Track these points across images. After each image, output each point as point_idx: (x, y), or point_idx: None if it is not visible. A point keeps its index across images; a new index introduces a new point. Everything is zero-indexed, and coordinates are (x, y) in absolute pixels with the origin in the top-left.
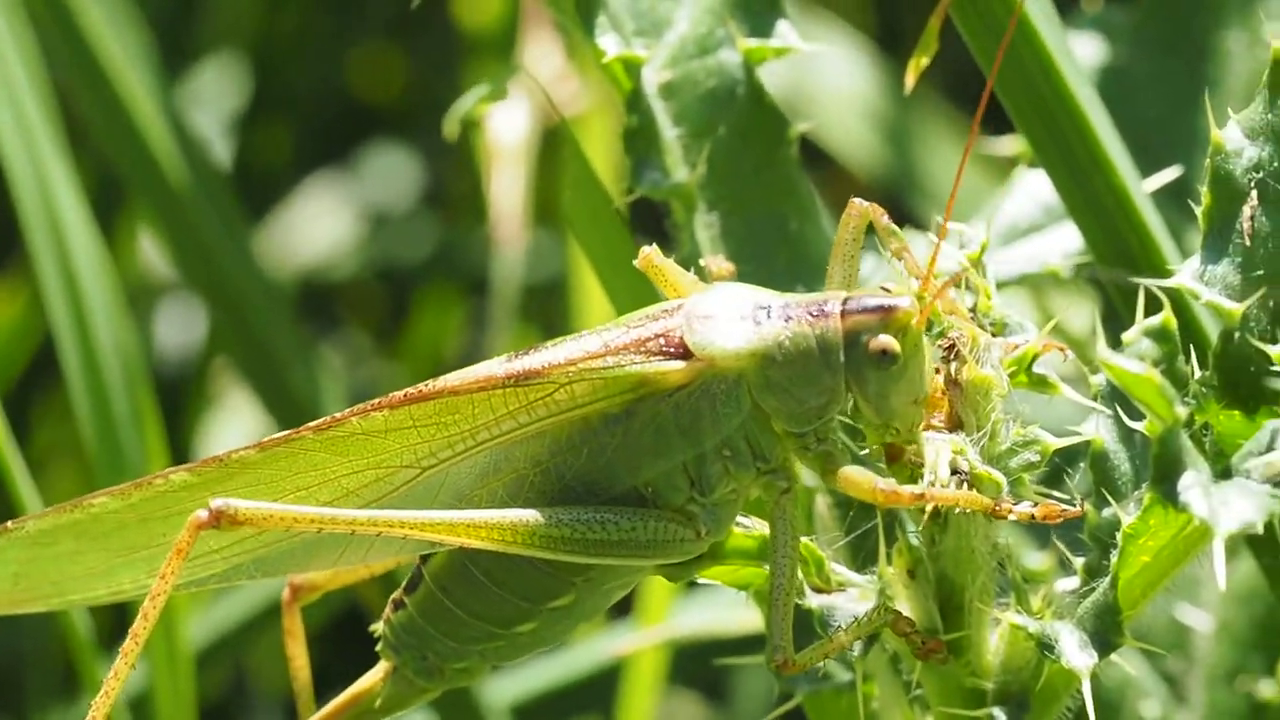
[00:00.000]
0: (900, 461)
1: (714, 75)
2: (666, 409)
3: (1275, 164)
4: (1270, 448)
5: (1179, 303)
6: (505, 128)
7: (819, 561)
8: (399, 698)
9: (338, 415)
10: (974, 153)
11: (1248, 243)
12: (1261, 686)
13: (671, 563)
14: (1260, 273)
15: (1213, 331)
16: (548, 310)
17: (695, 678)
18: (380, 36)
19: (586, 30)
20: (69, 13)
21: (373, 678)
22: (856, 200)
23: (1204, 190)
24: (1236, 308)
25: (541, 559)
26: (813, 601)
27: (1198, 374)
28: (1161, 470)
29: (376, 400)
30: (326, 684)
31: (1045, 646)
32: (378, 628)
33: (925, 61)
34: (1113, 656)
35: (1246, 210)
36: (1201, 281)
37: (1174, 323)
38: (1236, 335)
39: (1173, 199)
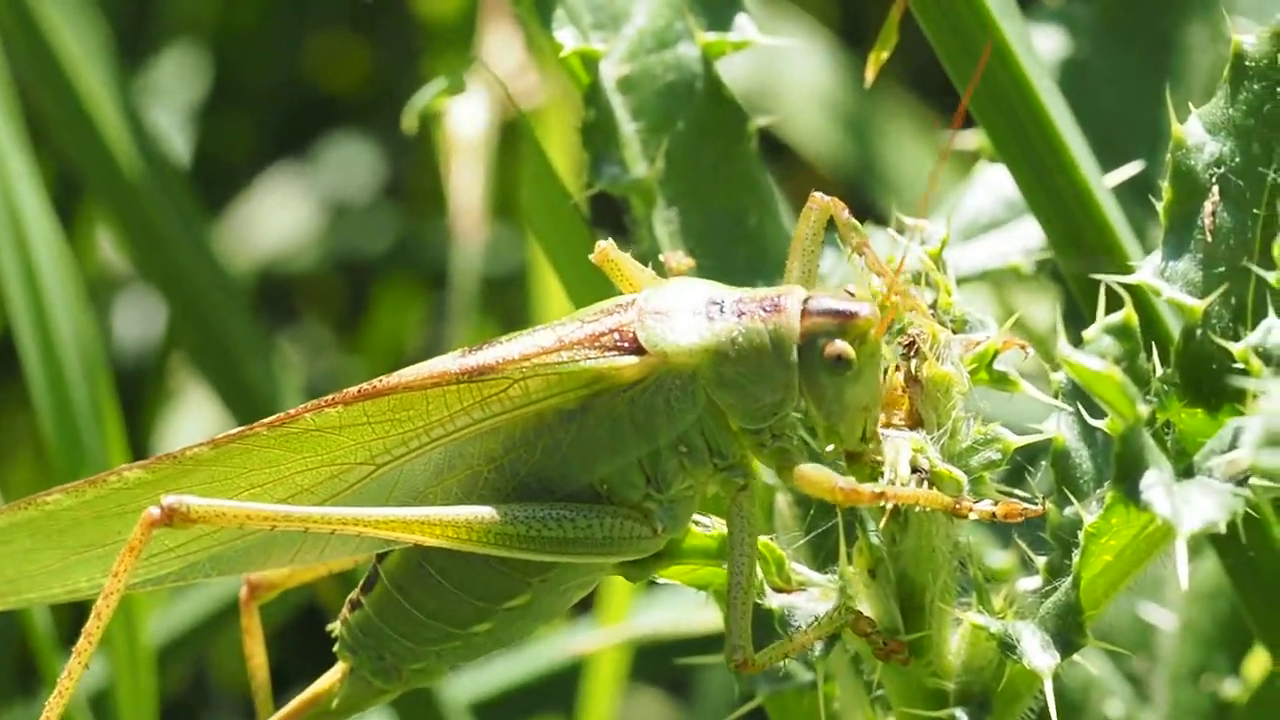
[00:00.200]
0: (860, 460)
1: (672, 69)
2: (621, 404)
3: (1236, 159)
4: (1233, 446)
5: (1140, 299)
6: (465, 121)
7: (779, 560)
8: (356, 698)
9: (292, 411)
10: (932, 146)
11: (1209, 239)
12: (1226, 685)
13: (629, 560)
14: (1222, 269)
15: (1174, 328)
16: (507, 304)
17: (657, 676)
18: (340, 27)
19: (544, 24)
20: (26, 6)
21: (330, 678)
22: (817, 194)
23: (1165, 186)
24: (1198, 304)
25: (497, 558)
26: (773, 601)
27: (1159, 371)
28: (1124, 469)
29: (330, 396)
30: (286, 682)
31: (1007, 647)
32: (335, 628)
33: (885, 55)
34: (1076, 656)
35: (1208, 206)
36: (1163, 278)
37: (1135, 320)
38: (1198, 332)
39: (1135, 194)
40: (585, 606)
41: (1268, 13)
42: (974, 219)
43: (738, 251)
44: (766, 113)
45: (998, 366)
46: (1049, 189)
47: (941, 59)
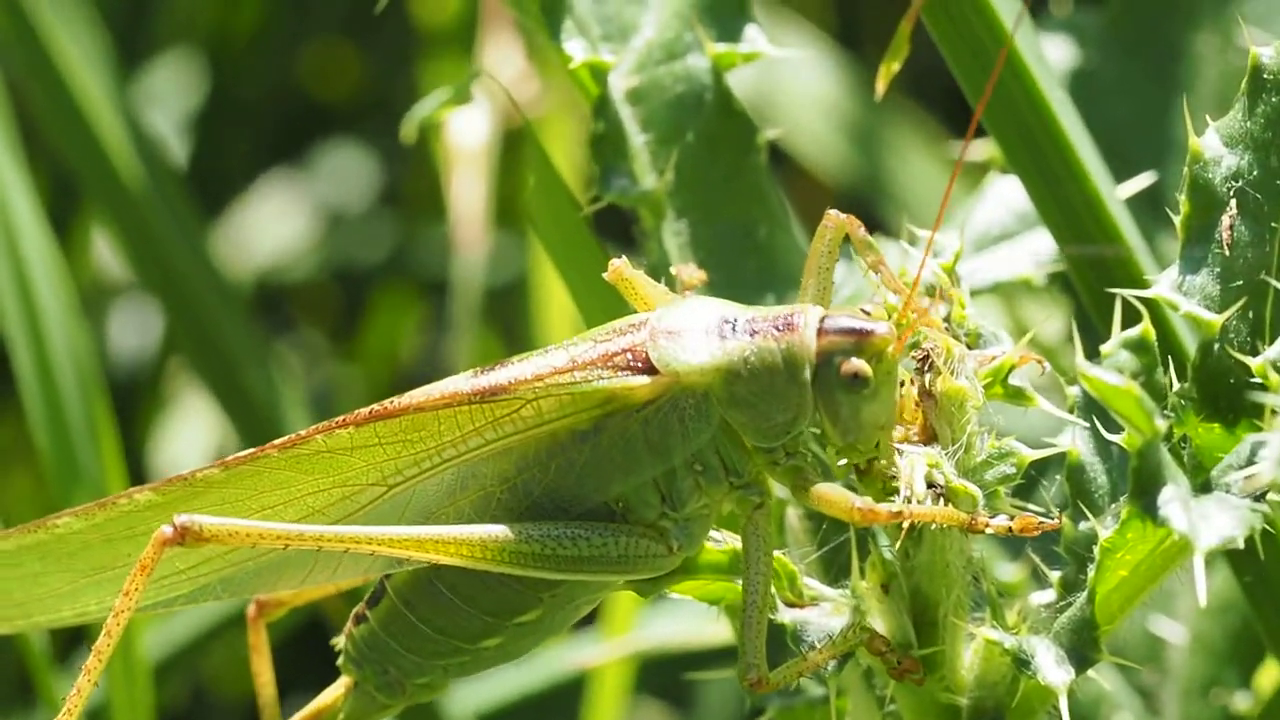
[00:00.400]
0: (873, 475)
1: (682, 81)
2: (635, 424)
3: (1254, 172)
4: (1250, 461)
5: (1156, 313)
6: (466, 130)
7: (792, 576)
8: (360, 713)
9: (303, 432)
10: (943, 158)
11: (1227, 252)
12: (1237, 699)
13: (643, 578)
14: (1239, 283)
15: (1190, 343)
16: (507, 313)
17: (661, 688)
18: (337, 34)
19: (553, 35)
20: (23, 11)
21: (334, 693)
22: (832, 211)
23: (1182, 199)
24: (1216, 319)
25: (510, 575)
26: (785, 616)
27: (1176, 386)
28: (1141, 484)
29: (341, 417)
30: (285, 695)
31: (1021, 662)
32: (339, 642)
33: (896, 67)
34: (1088, 671)
35: (1225, 219)
36: (1180, 292)
37: (1153, 334)
38: (1216, 347)
39: (1145, 204)
40: (589, 620)
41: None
42: (985, 231)
43: (747, 264)
44: (767, 122)
45: (1012, 381)
46: (1061, 200)
47: (952, 68)
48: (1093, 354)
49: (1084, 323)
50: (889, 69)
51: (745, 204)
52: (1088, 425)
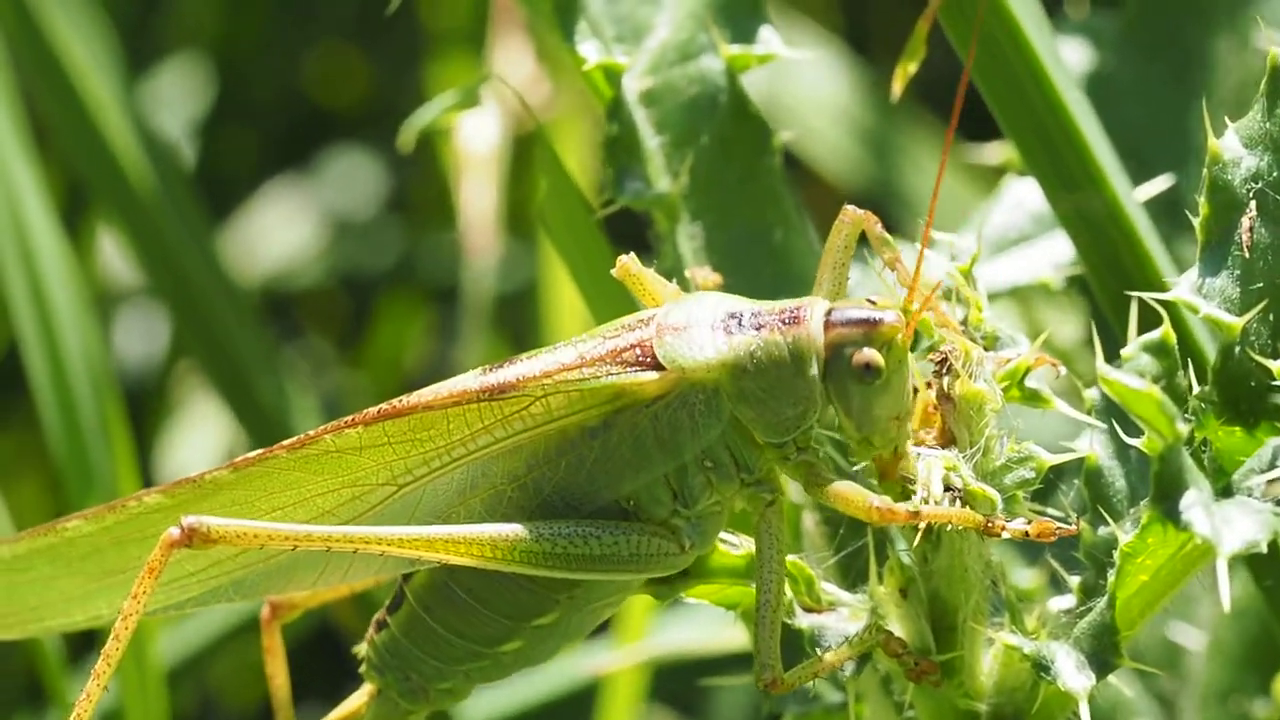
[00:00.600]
0: (892, 478)
1: (696, 82)
2: (645, 420)
3: (1274, 174)
4: (1272, 465)
5: (1175, 315)
6: (475, 134)
7: (809, 580)
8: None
9: (311, 433)
10: (959, 161)
11: (1247, 255)
12: (1255, 706)
13: (657, 579)
14: (1260, 285)
15: (1210, 346)
16: (516, 319)
17: (675, 695)
18: (344, 38)
19: (566, 36)
20: (32, 15)
21: (357, 700)
22: (850, 207)
23: (1201, 201)
24: (1237, 322)
25: (524, 576)
26: (803, 621)
27: (1196, 389)
28: (1163, 488)
29: (350, 417)
30: (297, 702)
31: (1041, 668)
32: (361, 649)
33: (913, 68)
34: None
35: (1245, 221)
36: (1200, 294)
37: (1174, 337)
38: (1236, 350)
39: (1164, 207)
40: (603, 626)
41: None
42: (1002, 234)
43: (763, 268)
44: (777, 125)
45: (1029, 383)
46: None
47: (969, 70)
48: (1111, 358)
49: (1101, 326)
50: (905, 70)
51: (760, 207)
52: (1106, 429)
